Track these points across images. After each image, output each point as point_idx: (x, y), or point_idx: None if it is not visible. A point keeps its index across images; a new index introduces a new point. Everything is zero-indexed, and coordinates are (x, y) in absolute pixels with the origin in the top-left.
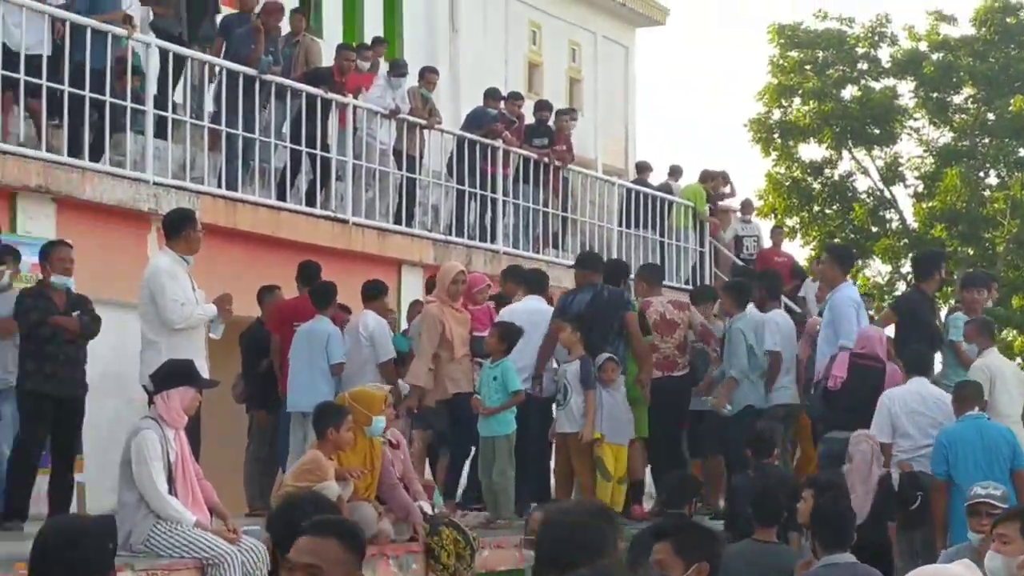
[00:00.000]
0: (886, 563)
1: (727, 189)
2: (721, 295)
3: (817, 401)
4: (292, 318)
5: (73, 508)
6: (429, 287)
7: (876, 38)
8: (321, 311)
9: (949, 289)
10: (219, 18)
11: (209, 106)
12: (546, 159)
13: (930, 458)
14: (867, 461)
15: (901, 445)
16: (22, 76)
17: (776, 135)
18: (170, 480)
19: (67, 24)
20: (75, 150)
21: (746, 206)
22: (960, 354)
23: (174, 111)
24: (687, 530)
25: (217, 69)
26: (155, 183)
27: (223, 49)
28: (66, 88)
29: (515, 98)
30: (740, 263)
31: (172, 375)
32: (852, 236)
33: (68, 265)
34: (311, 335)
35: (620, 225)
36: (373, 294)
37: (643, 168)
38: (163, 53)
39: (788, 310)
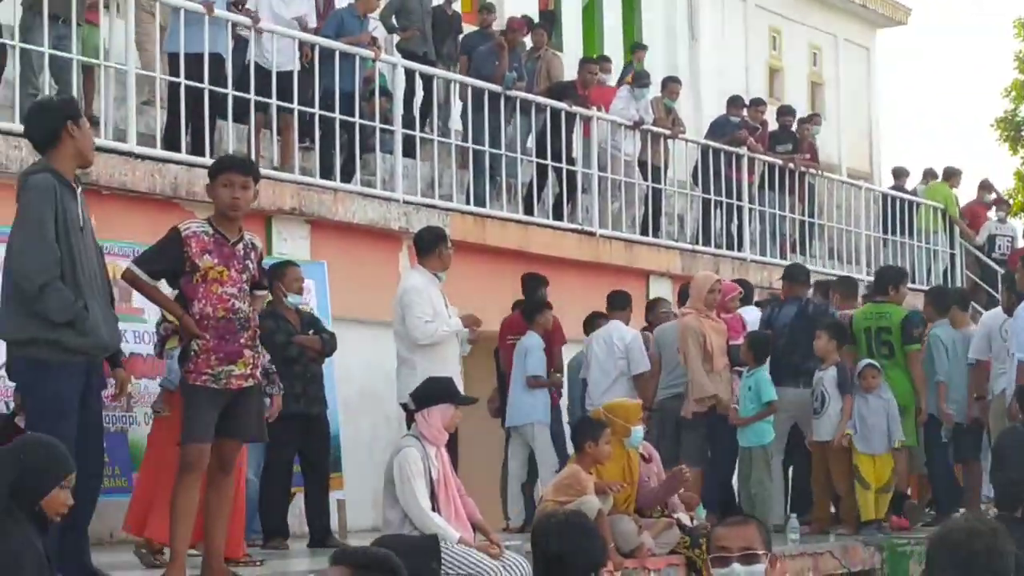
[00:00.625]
0: None
1: (992, 196)
2: (924, 302)
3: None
4: (507, 333)
5: (334, 525)
6: (682, 298)
7: None
8: (529, 325)
9: None
10: (461, 37)
11: (456, 124)
12: (791, 165)
13: None
14: None
15: None
16: (274, 100)
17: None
18: (433, 497)
19: (315, 48)
20: (326, 172)
21: (1001, 204)
22: None
23: (421, 130)
24: None
25: (462, 87)
26: (405, 201)
27: (468, 67)
28: (316, 111)
29: (757, 104)
30: (991, 263)
31: (432, 393)
32: None
33: (300, 284)
34: (518, 350)
35: (867, 229)
36: (620, 305)
37: (899, 174)
38: (409, 73)
39: None
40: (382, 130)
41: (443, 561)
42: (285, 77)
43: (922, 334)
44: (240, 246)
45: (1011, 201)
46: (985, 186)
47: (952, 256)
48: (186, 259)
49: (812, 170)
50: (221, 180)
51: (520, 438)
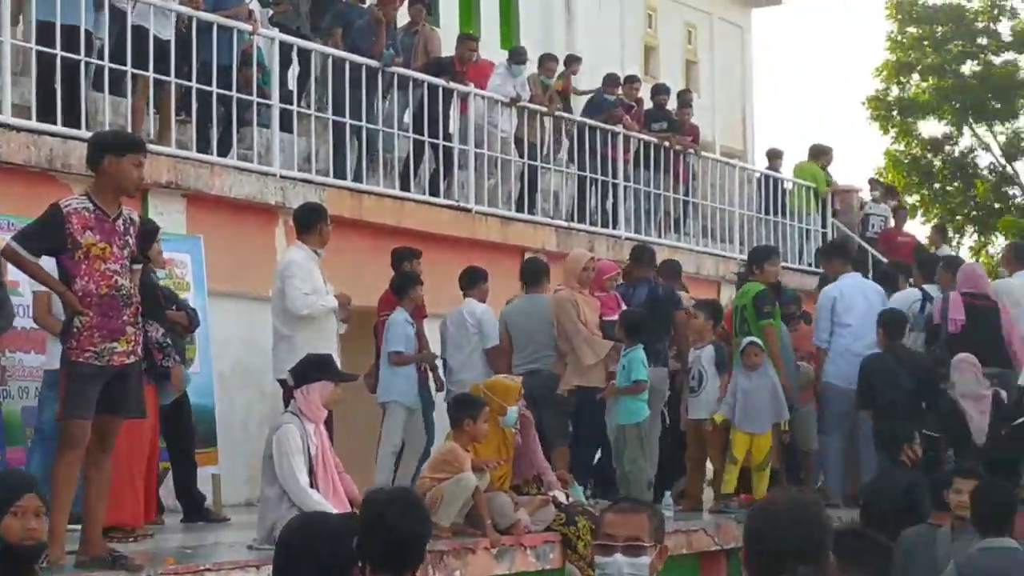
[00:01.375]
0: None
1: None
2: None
3: (942, 347)
4: (381, 309)
5: (209, 501)
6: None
7: (996, 12)
8: (400, 301)
9: None
10: (335, 8)
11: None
12: (666, 143)
13: None
14: (971, 384)
15: None
16: (151, 73)
17: (895, 112)
18: (311, 474)
19: (193, 20)
20: (203, 145)
21: (874, 184)
22: None
23: (298, 104)
24: None
25: (339, 61)
26: (281, 176)
27: (341, 39)
28: (194, 84)
29: (632, 82)
30: (863, 243)
31: (312, 369)
32: (975, 213)
33: (163, 259)
34: (385, 326)
35: (741, 208)
36: (472, 283)
37: (773, 155)
38: (286, 47)
39: None
40: (259, 104)
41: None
42: (162, 49)
43: (772, 310)
44: (120, 221)
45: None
46: (823, 151)
47: (824, 235)
48: (67, 236)
49: (691, 150)
50: (131, 159)
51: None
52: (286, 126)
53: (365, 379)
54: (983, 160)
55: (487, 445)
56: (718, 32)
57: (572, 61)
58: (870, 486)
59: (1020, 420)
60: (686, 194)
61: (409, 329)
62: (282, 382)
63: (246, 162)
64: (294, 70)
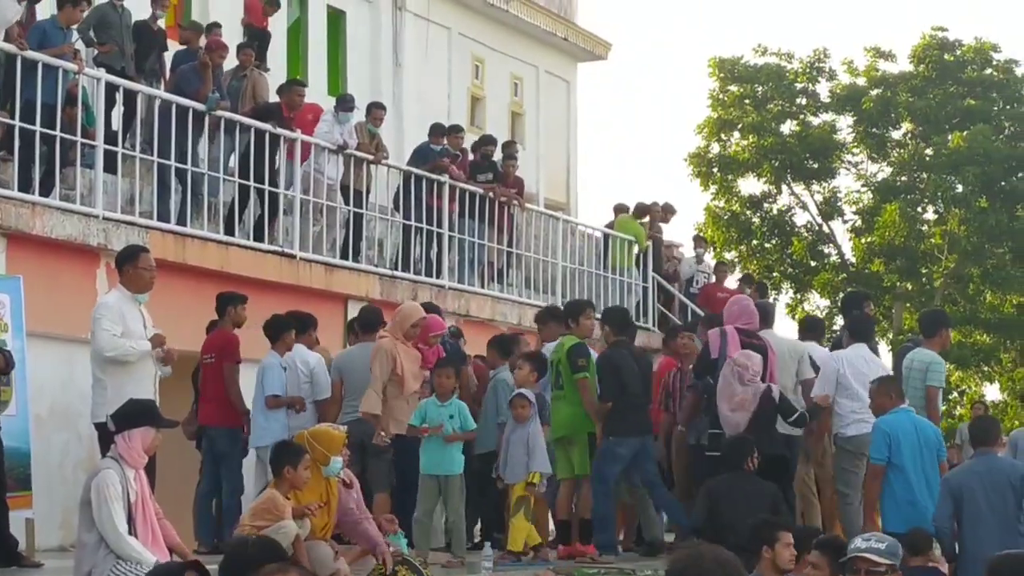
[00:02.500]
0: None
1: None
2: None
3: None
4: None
5: (23, 546)
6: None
7: (815, 73)
8: (274, 345)
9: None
10: (172, 55)
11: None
12: (491, 194)
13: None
14: (729, 381)
15: (851, 406)
16: None
17: (716, 169)
18: (130, 520)
19: (17, 58)
20: (25, 185)
21: (699, 241)
22: (932, 401)
23: (123, 146)
24: None
25: (165, 104)
26: (104, 218)
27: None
28: (17, 123)
29: (455, 131)
30: (684, 298)
31: (134, 415)
32: (791, 270)
33: None
34: (258, 370)
35: (563, 260)
36: (304, 328)
37: (620, 210)
38: (111, 87)
39: None
40: (83, 144)
41: None
42: None
43: (587, 363)
44: None
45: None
46: (646, 209)
47: (645, 289)
48: None
49: (515, 202)
50: None
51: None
52: (110, 167)
53: (183, 426)
54: (800, 218)
55: (309, 493)
56: (544, 85)
57: (375, 108)
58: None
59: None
60: (510, 245)
61: (282, 373)
62: (99, 426)
63: (68, 203)
64: (119, 111)
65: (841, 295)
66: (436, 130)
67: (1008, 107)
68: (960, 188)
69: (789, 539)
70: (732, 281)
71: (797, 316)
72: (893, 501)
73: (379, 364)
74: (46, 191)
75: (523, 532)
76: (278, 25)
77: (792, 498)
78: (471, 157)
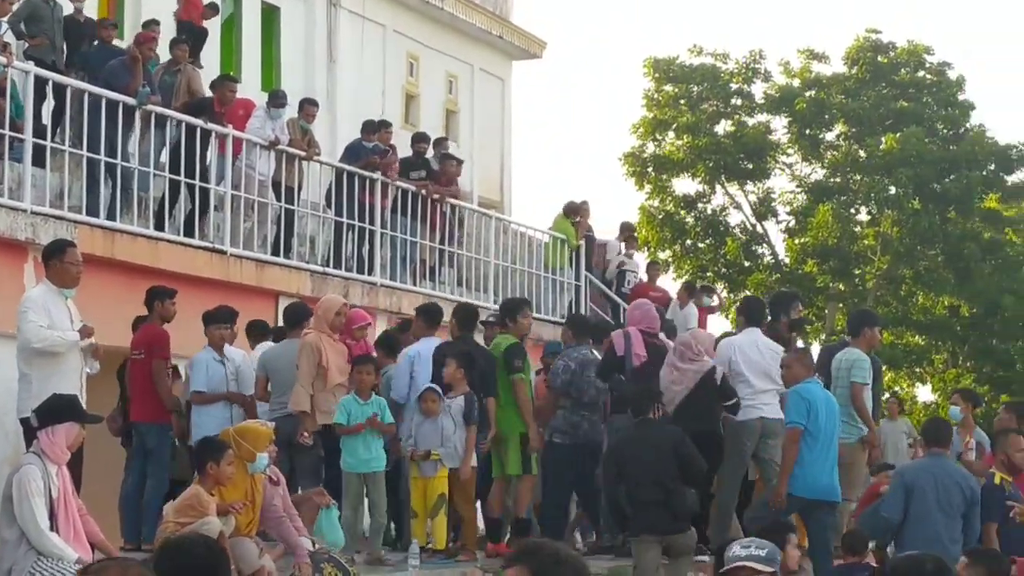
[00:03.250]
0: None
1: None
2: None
3: (630, 378)
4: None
5: None
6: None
7: (750, 74)
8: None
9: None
10: (87, 50)
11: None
12: (423, 192)
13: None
14: (672, 359)
15: (741, 392)
16: None
17: (650, 169)
18: (52, 516)
19: None
20: None
21: (629, 240)
22: (858, 397)
23: (52, 139)
24: None
25: (95, 98)
26: (33, 212)
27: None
28: None
29: (385, 127)
30: (615, 297)
31: (57, 410)
32: (724, 270)
33: None
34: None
35: (496, 258)
36: (225, 320)
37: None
38: (40, 81)
39: None
40: (11, 138)
41: None
42: None
43: (523, 364)
44: None
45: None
46: (576, 209)
47: (577, 288)
48: None
49: (449, 199)
50: None
51: None
52: (39, 161)
53: (108, 421)
54: (734, 218)
55: (233, 490)
56: (479, 83)
57: (307, 104)
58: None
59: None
60: (443, 243)
61: (216, 367)
62: (24, 421)
63: None
64: (48, 104)
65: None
66: (368, 127)
67: (941, 109)
68: (893, 190)
69: (795, 540)
70: (665, 281)
71: (730, 316)
72: (800, 467)
73: (306, 359)
74: None
75: (444, 530)
76: (212, 20)
77: (724, 477)
78: (404, 155)
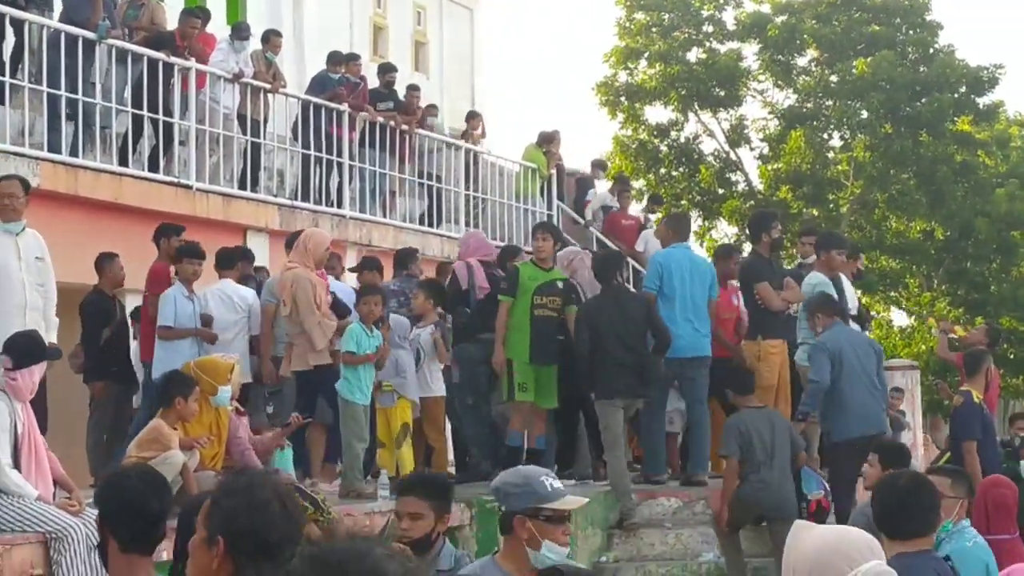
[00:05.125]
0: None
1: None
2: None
3: (475, 310)
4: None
5: None
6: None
7: (721, 1)
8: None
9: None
10: None
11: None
12: (391, 123)
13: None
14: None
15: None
16: None
17: (623, 98)
18: (16, 452)
19: None
20: None
21: (623, 195)
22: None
23: (12, 76)
24: None
25: (55, 32)
26: None
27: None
28: None
29: (353, 59)
30: (589, 228)
31: (31, 351)
32: (699, 198)
33: None
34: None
35: (465, 188)
36: (230, 263)
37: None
38: None
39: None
40: None
41: (20, 518)
42: None
43: (508, 286)
44: None
45: (610, 164)
46: (549, 138)
47: (549, 216)
48: None
49: (418, 130)
50: None
51: None
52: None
53: (70, 359)
54: (708, 146)
55: (198, 424)
56: (447, 14)
57: (272, 35)
58: None
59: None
60: (412, 175)
61: (184, 303)
62: None
63: None
64: (8, 41)
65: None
66: (334, 58)
67: (912, 32)
68: (865, 114)
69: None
70: (636, 209)
71: (706, 244)
72: (671, 325)
73: (305, 295)
74: None
75: (411, 459)
76: None
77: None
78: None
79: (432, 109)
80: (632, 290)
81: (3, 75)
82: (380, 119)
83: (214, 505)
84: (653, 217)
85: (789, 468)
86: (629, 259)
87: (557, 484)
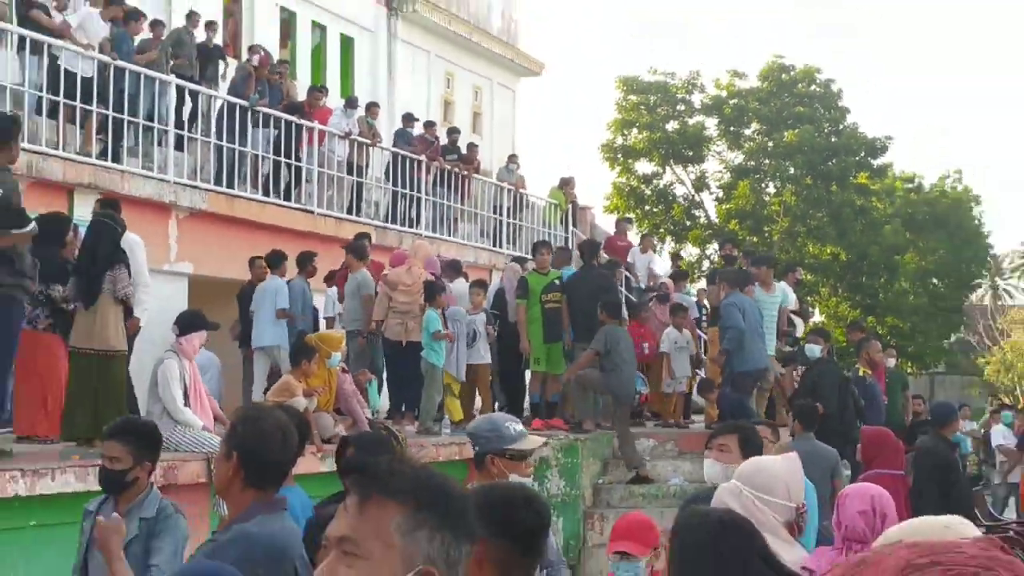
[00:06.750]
0: None
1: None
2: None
3: None
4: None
5: None
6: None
7: (691, 88)
8: (273, 272)
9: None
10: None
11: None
12: (456, 169)
13: None
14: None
15: None
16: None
17: (619, 155)
18: (185, 396)
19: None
20: (114, 156)
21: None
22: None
23: (189, 131)
24: None
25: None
26: (175, 182)
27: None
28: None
29: (430, 126)
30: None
31: (192, 321)
32: (672, 228)
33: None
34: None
35: (506, 217)
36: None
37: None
38: (181, 90)
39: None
40: (161, 130)
41: (190, 442)
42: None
43: (522, 293)
44: None
45: (609, 202)
46: (566, 182)
47: (566, 239)
48: None
49: (474, 175)
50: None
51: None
52: (180, 147)
53: (231, 331)
54: (679, 191)
55: (316, 379)
56: (496, 93)
57: (372, 106)
58: None
59: None
60: (468, 206)
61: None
62: None
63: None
64: (187, 106)
65: (715, 242)
66: (408, 117)
67: (827, 112)
68: (792, 171)
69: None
70: (633, 236)
71: (681, 263)
72: None
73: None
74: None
75: (458, 410)
76: (304, 45)
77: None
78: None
79: (514, 157)
80: (600, 270)
81: (183, 130)
82: (447, 167)
83: (233, 429)
84: (637, 240)
85: (635, 366)
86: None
87: (520, 428)
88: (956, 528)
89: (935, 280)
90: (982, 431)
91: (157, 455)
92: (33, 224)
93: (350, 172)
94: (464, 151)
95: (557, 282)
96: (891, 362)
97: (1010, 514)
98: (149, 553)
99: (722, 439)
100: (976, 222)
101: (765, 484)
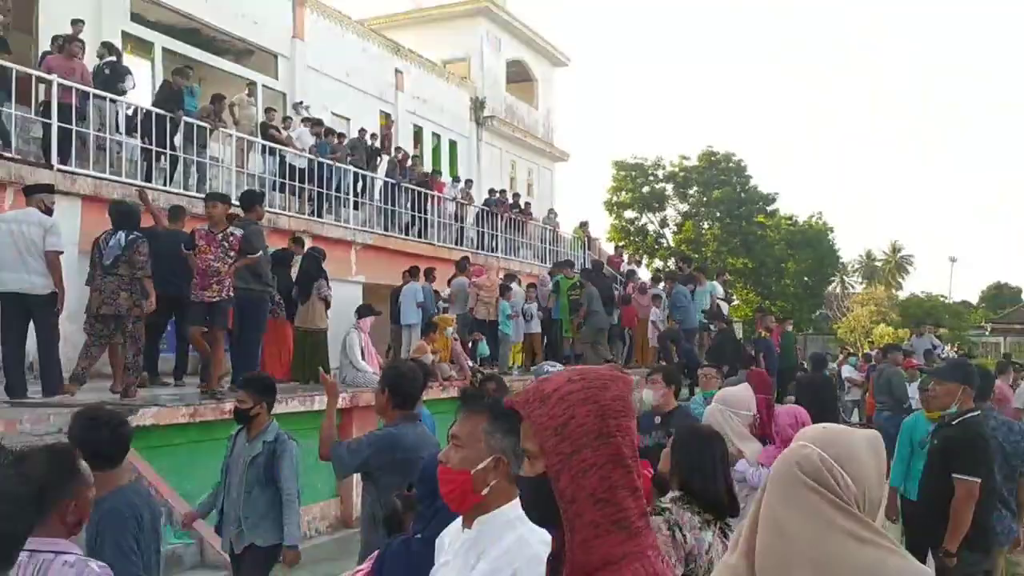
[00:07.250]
0: None
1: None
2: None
3: None
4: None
5: None
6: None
7: (657, 165)
8: (412, 279)
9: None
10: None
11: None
12: (518, 218)
13: None
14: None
15: None
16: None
17: (615, 208)
18: (363, 354)
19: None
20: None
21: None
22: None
23: (362, 198)
24: None
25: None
26: (354, 228)
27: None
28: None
29: (503, 192)
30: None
31: (364, 311)
32: (647, 251)
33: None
34: (407, 291)
35: (548, 245)
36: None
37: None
38: (356, 174)
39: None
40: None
41: (364, 382)
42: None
43: (554, 291)
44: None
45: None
46: (583, 225)
47: (583, 259)
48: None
49: (528, 220)
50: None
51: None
52: (356, 207)
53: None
54: (651, 228)
55: (438, 343)
56: (541, 173)
57: (468, 182)
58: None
59: None
60: (525, 239)
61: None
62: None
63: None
64: (360, 183)
65: (671, 260)
66: (491, 191)
67: (738, 179)
68: (718, 215)
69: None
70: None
71: (651, 275)
72: None
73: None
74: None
75: (520, 358)
76: (427, 146)
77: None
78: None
79: (552, 211)
80: (605, 274)
81: (358, 197)
82: (513, 216)
83: (385, 373)
84: (626, 260)
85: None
86: (617, 276)
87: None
88: (830, 427)
89: (806, 278)
90: (837, 368)
91: (273, 398)
92: (261, 252)
93: (456, 220)
94: (523, 207)
95: (578, 283)
96: (789, 327)
97: (855, 419)
98: (271, 468)
99: (654, 376)
100: (831, 243)
101: (735, 403)
